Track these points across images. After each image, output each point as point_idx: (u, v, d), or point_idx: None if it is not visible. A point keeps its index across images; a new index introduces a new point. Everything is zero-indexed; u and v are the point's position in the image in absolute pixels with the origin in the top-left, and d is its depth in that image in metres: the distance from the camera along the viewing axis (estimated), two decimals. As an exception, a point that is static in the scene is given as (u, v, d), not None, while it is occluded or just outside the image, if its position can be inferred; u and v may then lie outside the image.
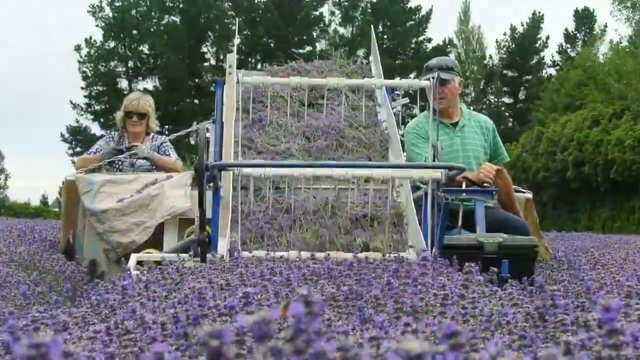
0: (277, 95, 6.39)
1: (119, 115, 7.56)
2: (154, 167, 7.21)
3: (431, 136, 5.68)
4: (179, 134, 8.63)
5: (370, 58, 7.17)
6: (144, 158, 7.14)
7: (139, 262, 5.05)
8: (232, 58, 6.07)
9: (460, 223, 5.53)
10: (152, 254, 5.31)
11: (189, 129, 8.98)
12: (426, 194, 5.21)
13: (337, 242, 5.27)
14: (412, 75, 48.63)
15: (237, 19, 9.76)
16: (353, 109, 6.45)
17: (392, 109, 6.48)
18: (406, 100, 7.18)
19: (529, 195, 7.01)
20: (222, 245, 4.91)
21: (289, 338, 0.98)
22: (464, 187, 5.58)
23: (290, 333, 0.98)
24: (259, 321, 0.90)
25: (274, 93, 6.40)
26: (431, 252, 4.79)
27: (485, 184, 5.67)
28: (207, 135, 6.67)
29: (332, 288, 3.05)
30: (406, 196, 5.59)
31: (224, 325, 0.94)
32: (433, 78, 5.78)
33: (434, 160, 5.54)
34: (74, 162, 8.87)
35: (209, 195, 5.08)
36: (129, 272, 4.10)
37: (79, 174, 6.53)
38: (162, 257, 5.07)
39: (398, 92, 6.87)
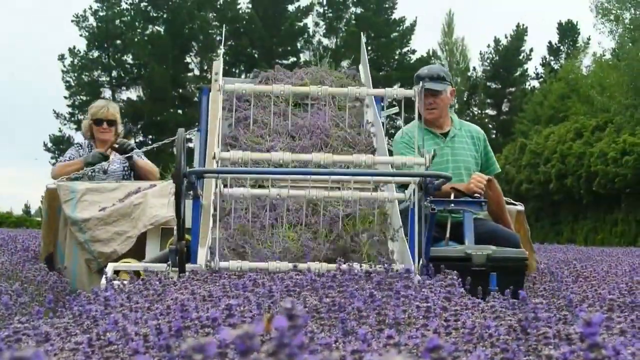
0: (263, 94, 6.30)
1: (85, 124, 7.48)
2: (127, 172, 7.18)
3: (416, 145, 5.48)
4: (163, 142, 8.50)
5: (360, 67, 7.06)
6: (130, 150, 7.06)
7: (116, 272, 4.94)
8: (218, 66, 5.91)
9: (447, 235, 5.34)
10: (129, 264, 5.21)
11: (173, 138, 8.52)
12: (413, 204, 5.02)
13: (318, 247, 5.16)
14: (396, 87, 48.90)
15: (224, 27, 9.49)
16: (339, 109, 6.35)
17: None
18: (395, 109, 6.98)
19: (521, 207, 6.88)
20: (202, 255, 4.81)
21: (271, 352, 0.98)
22: (452, 197, 5.42)
23: (273, 347, 0.98)
24: (242, 335, 0.90)
25: (260, 92, 6.29)
26: (418, 263, 4.70)
27: (476, 195, 5.51)
28: (191, 145, 6.59)
29: (315, 300, 3.05)
30: (391, 196, 5.45)
31: (206, 338, 0.94)
32: (421, 89, 5.57)
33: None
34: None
35: (188, 203, 4.99)
36: (111, 283, 4.06)
37: (60, 182, 6.40)
38: (139, 266, 5.00)
39: (384, 104, 6.73)
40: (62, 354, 2.23)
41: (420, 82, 5.83)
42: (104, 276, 4.60)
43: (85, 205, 6.04)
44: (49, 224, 6.59)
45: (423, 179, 4.90)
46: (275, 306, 3.07)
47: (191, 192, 4.95)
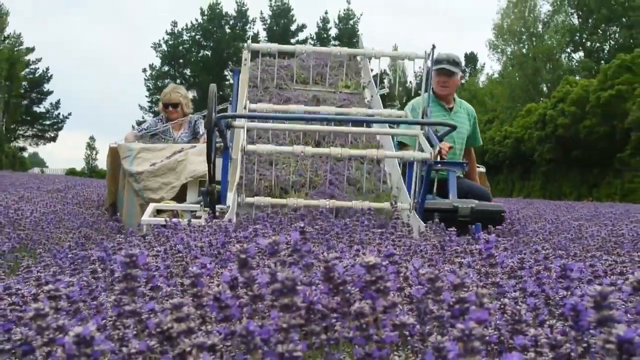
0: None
1: (160, 106, 6.63)
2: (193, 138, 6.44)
3: (422, 104, 4.69)
4: (201, 114, 7.38)
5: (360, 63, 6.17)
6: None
7: (158, 211, 4.37)
8: (247, 54, 5.48)
9: (435, 190, 4.55)
10: (168, 204, 4.63)
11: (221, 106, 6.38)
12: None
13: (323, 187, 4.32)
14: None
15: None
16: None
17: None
18: (385, 90, 5.89)
19: (483, 169, 6.12)
20: (231, 198, 3.95)
21: (289, 254, 0.99)
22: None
23: (290, 251, 0.99)
24: (272, 242, 0.91)
25: (284, 51, 5.62)
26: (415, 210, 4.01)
27: (442, 157, 4.61)
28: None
29: (309, 227, 3.05)
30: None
31: (247, 245, 0.95)
32: (431, 50, 4.60)
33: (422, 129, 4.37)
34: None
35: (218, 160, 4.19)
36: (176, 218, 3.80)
37: (120, 142, 5.74)
38: (176, 206, 4.50)
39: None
40: (148, 258, 2.24)
41: (443, 64, 5.21)
42: (147, 210, 4.16)
43: (139, 161, 5.43)
44: (112, 175, 5.95)
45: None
46: (283, 230, 3.08)
47: (221, 146, 4.11)
